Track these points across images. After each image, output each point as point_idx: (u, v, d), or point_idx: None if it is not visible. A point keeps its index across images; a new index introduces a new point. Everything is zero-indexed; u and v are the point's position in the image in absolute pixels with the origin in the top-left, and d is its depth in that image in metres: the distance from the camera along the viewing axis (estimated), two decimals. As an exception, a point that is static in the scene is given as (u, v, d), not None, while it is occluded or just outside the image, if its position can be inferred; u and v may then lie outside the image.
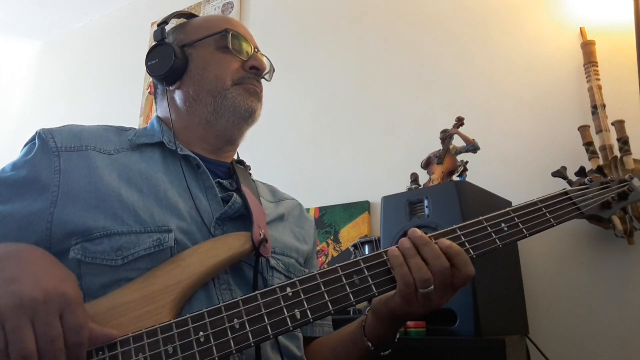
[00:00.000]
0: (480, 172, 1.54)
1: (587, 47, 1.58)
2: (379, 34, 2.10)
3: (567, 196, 0.84)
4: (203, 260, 0.73)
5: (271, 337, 0.64)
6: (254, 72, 0.93)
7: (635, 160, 1.39)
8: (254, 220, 0.81)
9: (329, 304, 0.67)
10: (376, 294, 0.70)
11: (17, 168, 0.79)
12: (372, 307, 0.80)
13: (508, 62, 1.76)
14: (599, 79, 1.53)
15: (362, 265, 0.71)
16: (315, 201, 2.01)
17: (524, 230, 0.77)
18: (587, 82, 1.54)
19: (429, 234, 0.74)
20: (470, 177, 1.37)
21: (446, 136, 1.44)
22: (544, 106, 1.65)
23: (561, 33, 1.68)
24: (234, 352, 0.62)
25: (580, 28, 1.62)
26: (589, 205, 0.84)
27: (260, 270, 0.80)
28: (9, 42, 3.74)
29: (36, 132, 0.82)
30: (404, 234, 0.71)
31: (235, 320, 0.64)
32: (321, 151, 2.10)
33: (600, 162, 1.45)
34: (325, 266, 1.57)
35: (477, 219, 0.77)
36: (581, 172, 0.95)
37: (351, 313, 1.32)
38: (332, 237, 1.92)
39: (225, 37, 0.91)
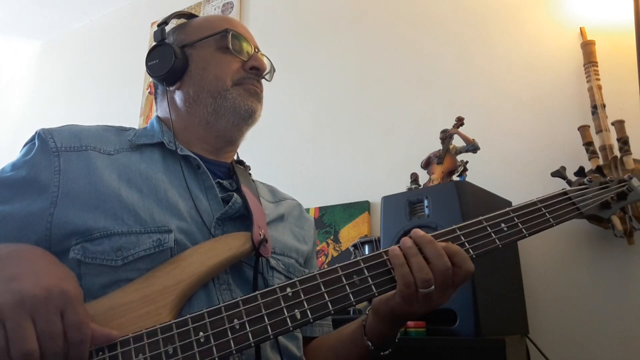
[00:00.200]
0: (480, 172, 1.54)
1: (587, 47, 1.58)
2: (379, 34, 2.10)
3: (566, 196, 0.84)
4: (203, 261, 0.73)
5: (271, 337, 0.64)
6: (255, 72, 0.92)
7: (635, 160, 1.39)
8: (254, 220, 0.81)
9: (329, 304, 0.67)
10: (376, 294, 0.70)
11: (17, 168, 0.78)
12: (373, 307, 0.80)
13: (508, 62, 1.76)
14: (599, 79, 1.53)
15: (362, 265, 0.71)
16: (315, 201, 2.01)
17: (523, 230, 0.77)
18: (587, 82, 1.54)
19: (429, 234, 0.74)
20: (470, 177, 1.37)
21: (446, 136, 1.44)
22: (544, 106, 1.65)
23: (561, 33, 1.68)
24: (234, 352, 0.62)
25: (580, 28, 1.62)
26: (588, 205, 0.84)
27: (260, 271, 0.80)
28: (9, 42, 3.74)
29: (36, 132, 0.82)
30: (404, 234, 0.72)
31: (236, 321, 0.64)
32: (321, 151, 2.10)
33: (600, 162, 1.45)
34: (325, 266, 1.57)
35: (477, 219, 0.77)
36: (580, 172, 0.95)
37: (351, 313, 1.32)
38: (332, 237, 1.92)
39: (226, 38, 0.91)
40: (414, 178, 1.46)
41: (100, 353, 0.60)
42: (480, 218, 0.78)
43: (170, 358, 0.60)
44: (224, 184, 0.89)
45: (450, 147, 1.41)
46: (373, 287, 0.70)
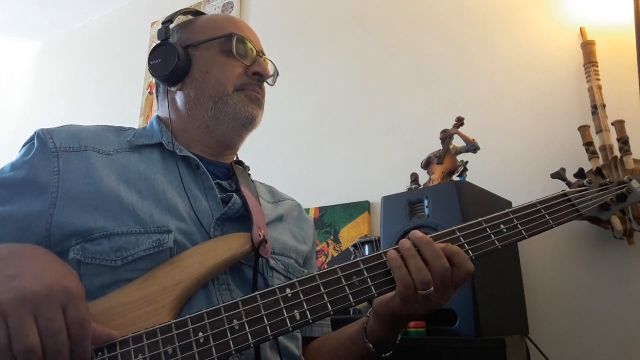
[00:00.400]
0: (480, 172, 1.54)
1: (587, 47, 1.57)
2: (379, 34, 2.10)
3: (565, 198, 0.84)
4: (202, 261, 0.73)
5: (270, 337, 0.64)
6: (257, 77, 0.92)
7: (635, 161, 1.39)
8: (254, 220, 0.81)
9: (328, 305, 0.67)
10: (375, 295, 0.70)
11: (16, 168, 0.78)
12: (373, 309, 0.80)
13: (508, 62, 1.76)
14: (599, 79, 1.53)
15: (362, 266, 0.71)
16: (315, 201, 2.01)
17: (523, 231, 0.77)
18: (587, 82, 1.54)
19: (428, 235, 0.74)
20: (470, 177, 1.37)
21: (446, 136, 1.44)
22: (544, 106, 1.65)
23: (561, 33, 1.68)
24: (234, 352, 0.62)
25: (580, 28, 1.62)
26: (588, 207, 0.84)
27: (260, 271, 0.80)
28: (9, 42, 3.74)
29: (35, 133, 0.81)
30: (404, 234, 0.72)
31: (235, 321, 0.64)
32: (321, 151, 2.10)
33: (600, 162, 1.45)
34: (325, 266, 1.57)
35: (477, 220, 0.77)
36: (580, 173, 0.95)
37: (351, 313, 1.32)
38: (332, 237, 1.92)
39: (230, 41, 0.90)
40: (414, 178, 1.46)
41: (100, 353, 0.60)
42: (480, 219, 0.78)
43: (169, 358, 0.60)
44: (223, 185, 0.89)
45: (450, 147, 1.41)
46: (372, 288, 0.70)
